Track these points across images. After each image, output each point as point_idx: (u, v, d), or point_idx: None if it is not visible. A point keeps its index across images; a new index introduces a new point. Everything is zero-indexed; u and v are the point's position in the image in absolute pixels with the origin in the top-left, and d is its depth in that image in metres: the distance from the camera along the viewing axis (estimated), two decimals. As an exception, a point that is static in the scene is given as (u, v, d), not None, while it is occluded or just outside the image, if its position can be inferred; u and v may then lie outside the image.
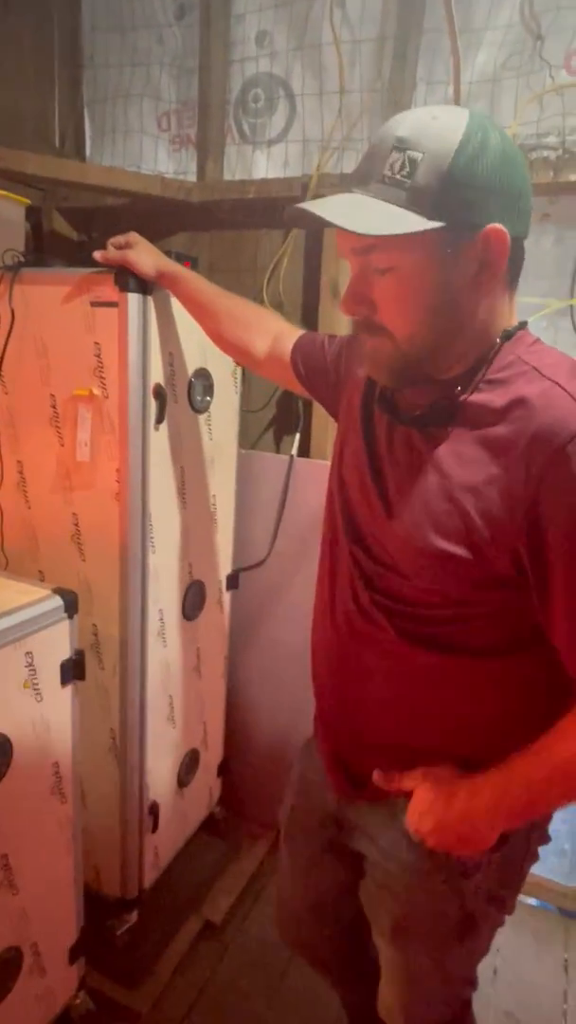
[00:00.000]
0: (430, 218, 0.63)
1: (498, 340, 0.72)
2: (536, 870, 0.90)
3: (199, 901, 1.62)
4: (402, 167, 0.64)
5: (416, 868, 0.82)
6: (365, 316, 0.71)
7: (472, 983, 0.95)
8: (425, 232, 0.63)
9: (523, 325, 0.73)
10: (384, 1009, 0.96)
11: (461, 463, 0.70)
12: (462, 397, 0.71)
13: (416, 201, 0.63)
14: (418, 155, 0.63)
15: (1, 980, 1.09)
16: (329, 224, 0.65)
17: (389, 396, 0.81)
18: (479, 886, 0.82)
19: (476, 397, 0.71)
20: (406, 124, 0.65)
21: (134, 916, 1.50)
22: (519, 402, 0.67)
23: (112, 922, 1.47)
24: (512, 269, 0.70)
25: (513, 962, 1.54)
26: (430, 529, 0.71)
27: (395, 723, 0.81)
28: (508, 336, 0.72)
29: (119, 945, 1.47)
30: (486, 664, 0.75)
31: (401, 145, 0.64)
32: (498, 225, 0.65)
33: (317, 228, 0.79)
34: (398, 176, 0.64)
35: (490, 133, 0.65)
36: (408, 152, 0.64)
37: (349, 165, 1.54)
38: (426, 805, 0.76)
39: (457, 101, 1.36)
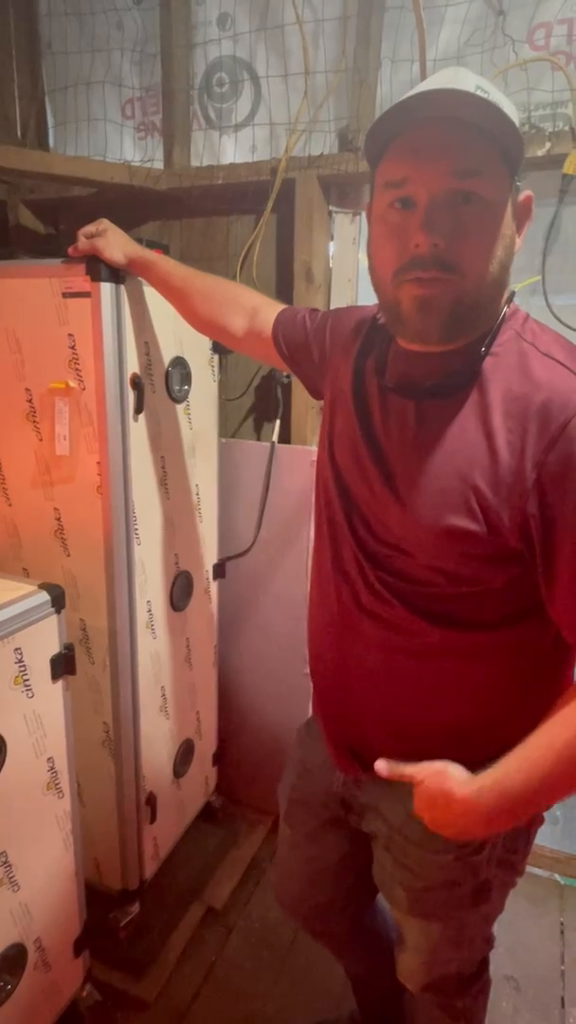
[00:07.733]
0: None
1: (505, 309, 0.73)
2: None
3: (201, 888, 1.63)
4: (485, 92, 0.64)
5: (428, 845, 0.82)
6: (440, 250, 0.66)
7: (489, 942, 0.97)
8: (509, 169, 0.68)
9: (512, 296, 0.75)
10: (404, 974, 0.98)
11: (466, 438, 0.70)
12: (475, 367, 0.72)
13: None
14: (496, 96, 0.65)
15: (6, 977, 1.09)
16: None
17: (385, 367, 0.80)
18: (490, 856, 0.84)
19: (480, 369, 0.72)
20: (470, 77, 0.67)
21: (136, 907, 1.51)
22: (523, 377, 0.69)
23: (115, 914, 1.48)
24: None
25: (510, 928, 1.58)
26: (444, 509, 0.71)
27: (402, 698, 0.82)
28: (509, 301, 0.74)
29: (123, 937, 1.47)
30: (494, 636, 0.76)
31: (479, 84, 0.65)
32: (529, 192, 0.71)
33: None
34: (488, 97, 0.63)
35: None
36: (487, 91, 0.65)
37: (317, 148, 1.53)
38: (426, 803, 0.76)
39: (423, 78, 1.36)
